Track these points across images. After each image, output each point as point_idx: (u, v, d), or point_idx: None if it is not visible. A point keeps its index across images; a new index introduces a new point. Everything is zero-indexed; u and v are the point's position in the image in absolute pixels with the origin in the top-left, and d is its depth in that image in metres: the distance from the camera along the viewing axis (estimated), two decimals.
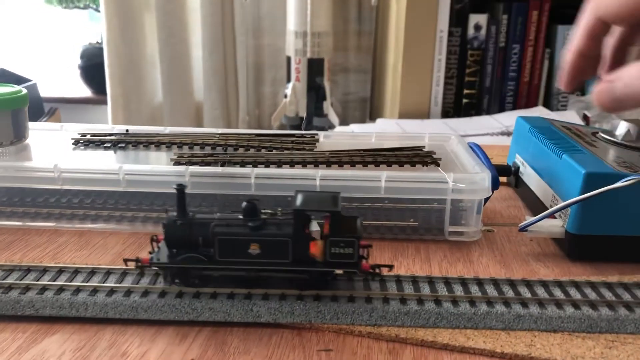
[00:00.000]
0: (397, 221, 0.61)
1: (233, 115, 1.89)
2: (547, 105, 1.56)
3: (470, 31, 1.49)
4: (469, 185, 0.57)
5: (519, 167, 0.70)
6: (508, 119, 1.40)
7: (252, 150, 0.65)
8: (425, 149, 0.66)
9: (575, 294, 0.48)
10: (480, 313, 0.45)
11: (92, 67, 2.00)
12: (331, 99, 1.75)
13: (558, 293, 0.48)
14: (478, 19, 1.49)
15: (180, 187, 0.45)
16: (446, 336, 0.44)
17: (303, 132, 0.68)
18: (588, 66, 0.51)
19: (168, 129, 0.71)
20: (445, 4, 1.44)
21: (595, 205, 0.54)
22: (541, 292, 0.48)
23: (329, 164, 0.61)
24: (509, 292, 0.48)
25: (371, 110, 1.82)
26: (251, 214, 0.45)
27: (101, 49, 1.84)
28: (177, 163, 0.60)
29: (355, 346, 0.44)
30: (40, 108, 1.83)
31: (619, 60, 0.52)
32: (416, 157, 0.62)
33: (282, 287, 0.47)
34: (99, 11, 1.86)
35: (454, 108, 1.55)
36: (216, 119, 1.84)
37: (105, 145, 0.67)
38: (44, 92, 1.89)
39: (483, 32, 1.49)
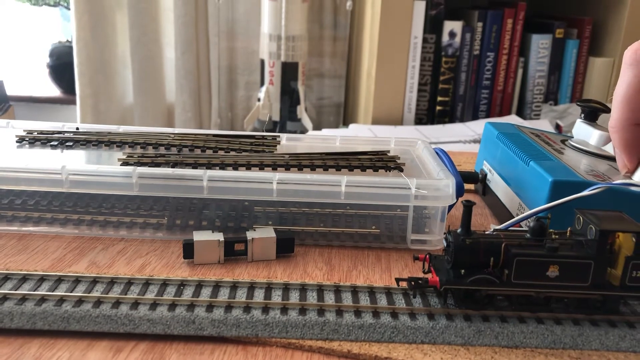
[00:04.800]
0: (358, 228, 0.58)
1: (205, 118, 1.86)
2: (520, 114, 1.55)
3: (445, 38, 1.48)
4: (433, 192, 0.54)
5: (486, 175, 0.68)
6: (481, 126, 1.38)
7: (208, 152, 0.62)
8: (390, 154, 0.63)
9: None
10: (438, 327, 0.43)
11: (61, 66, 1.95)
12: (305, 104, 1.72)
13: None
14: (453, 26, 1.47)
15: (469, 204, 0.43)
16: (402, 352, 0.41)
17: (264, 134, 0.65)
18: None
19: (122, 128, 0.68)
20: (420, 10, 1.42)
21: (563, 215, 0.52)
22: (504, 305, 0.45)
23: (288, 168, 0.58)
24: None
25: (345, 116, 1.80)
26: (541, 233, 0.43)
27: (71, 48, 1.79)
28: (125, 163, 0.56)
29: None
30: (5, 106, 1.77)
31: None
32: (379, 161, 0.60)
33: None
34: (69, 9, 1.81)
35: (427, 115, 1.54)
36: (188, 121, 1.81)
37: (52, 143, 0.63)
38: (11, 90, 1.83)
39: (457, 39, 1.48)
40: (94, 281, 0.46)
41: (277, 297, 0.45)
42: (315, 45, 1.79)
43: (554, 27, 1.50)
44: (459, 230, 0.43)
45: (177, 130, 0.67)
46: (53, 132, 0.65)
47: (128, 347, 0.41)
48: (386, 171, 0.59)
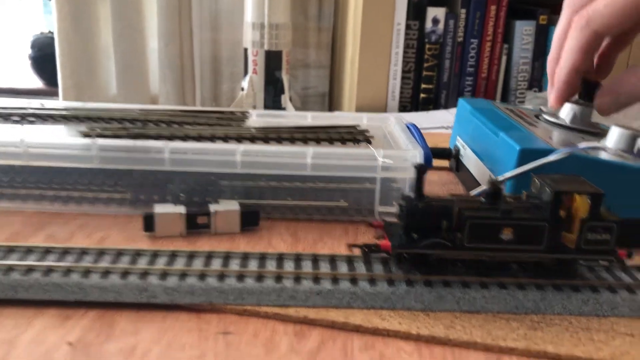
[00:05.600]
0: (325, 201, 0.57)
1: None
2: (505, 100, 1.54)
3: (428, 25, 1.47)
4: (399, 163, 0.53)
5: (459, 150, 0.67)
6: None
7: (174, 127, 0.61)
8: (360, 128, 0.62)
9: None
10: (398, 293, 0.42)
11: (43, 57, 1.92)
12: (290, 93, 1.71)
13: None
14: (436, 13, 1.46)
15: (421, 167, 0.42)
16: (359, 317, 0.40)
17: (233, 109, 0.64)
18: (579, 80, 0.55)
19: (89, 104, 0.66)
20: None
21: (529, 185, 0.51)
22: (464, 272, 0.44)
23: (253, 140, 0.56)
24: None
25: (330, 105, 1.79)
26: (496, 196, 0.42)
27: (53, 39, 1.77)
28: (86, 136, 0.55)
29: (258, 328, 0.39)
30: None
31: (608, 66, 0.59)
32: (348, 134, 0.59)
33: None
34: None
35: (412, 102, 1.53)
36: None
37: (13, 118, 0.62)
38: None
39: (441, 26, 1.47)
40: (46, 251, 0.44)
41: (234, 265, 0.44)
42: (300, 36, 1.78)
43: (538, 13, 1.49)
44: (412, 195, 0.42)
45: (144, 107, 0.65)
46: (15, 108, 0.63)
47: (77, 314, 0.40)
48: (354, 144, 0.58)
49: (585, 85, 0.61)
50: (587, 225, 0.41)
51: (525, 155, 0.51)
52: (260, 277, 0.42)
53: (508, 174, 0.50)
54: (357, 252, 0.43)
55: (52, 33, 1.90)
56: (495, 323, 0.40)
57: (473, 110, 0.65)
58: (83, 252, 0.45)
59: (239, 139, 0.56)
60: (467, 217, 0.41)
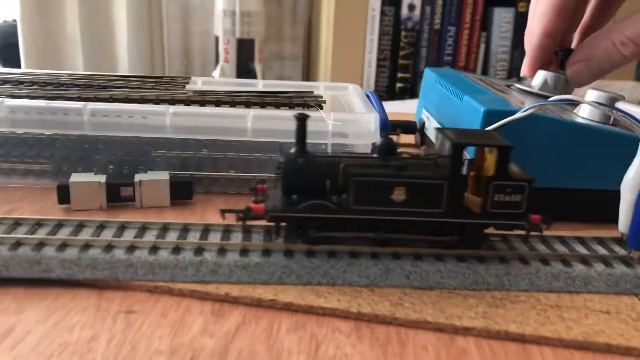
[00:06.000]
0: (272, 174, 0.51)
1: None
2: None
3: (404, 11, 1.42)
4: (352, 128, 0.47)
5: (424, 123, 0.61)
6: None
7: (102, 91, 0.54)
8: (314, 95, 0.56)
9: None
10: (339, 266, 0.36)
11: (6, 47, 1.84)
12: None
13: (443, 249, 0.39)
14: None
15: (302, 116, 0.35)
16: (292, 294, 0.34)
17: (173, 75, 0.57)
18: (553, 46, 0.53)
19: (11, 70, 0.60)
20: None
21: None
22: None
23: (188, 104, 0.50)
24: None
25: None
26: (389, 152, 0.35)
27: (17, 27, 1.70)
28: None
29: (169, 307, 0.33)
30: None
31: (605, 18, 0.56)
32: (299, 99, 0.53)
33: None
34: None
35: (388, 92, 1.47)
36: None
37: None
38: None
39: (417, 12, 1.42)
40: None
41: (150, 237, 0.38)
42: (274, 28, 1.72)
43: (517, 0, 1.44)
44: (292, 150, 0.36)
45: (72, 72, 0.59)
46: None
47: None
48: (303, 109, 0.51)
49: (559, 54, 0.56)
50: (493, 184, 0.34)
51: (491, 117, 0.45)
52: (177, 250, 0.36)
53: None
54: (232, 219, 0.36)
55: (15, 21, 1.83)
56: (451, 300, 0.34)
57: (438, 77, 0.59)
58: None
59: (172, 102, 0.50)
60: (352, 175, 0.34)
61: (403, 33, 1.44)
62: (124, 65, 1.79)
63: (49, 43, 1.73)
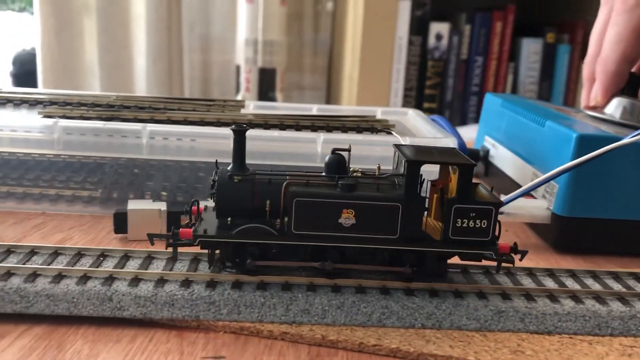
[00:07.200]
0: None
1: None
2: None
3: (431, 41, 1.40)
4: None
5: (488, 151, 0.58)
6: (469, 131, 1.29)
7: (156, 112, 0.51)
8: (377, 118, 0.53)
9: (573, 284, 0.35)
10: (444, 308, 0.32)
11: (24, 74, 1.83)
12: None
13: (550, 284, 0.35)
14: (439, 28, 1.40)
15: (241, 128, 0.31)
16: (396, 338, 0.30)
17: (226, 98, 0.54)
18: (628, 70, 0.50)
19: (57, 90, 0.57)
20: (405, 9, 1.35)
21: (591, 180, 0.42)
22: (527, 282, 0.35)
23: (251, 127, 0.47)
24: (484, 281, 0.34)
25: None
26: (338, 170, 0.31)
27: (34, 56, 1.69)
28: (47, 117, 0.45)
29: (260, 352, 0.29)
30: None
31: None
32: (365, 123, 0.49)
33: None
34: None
35: None
36: None
37: None
38: None
39: (444, 42, 1.40)
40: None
41: (229, 271, 0.34)
42: (294, 57, 1.71)
43: (545, 31, 1.43)
44: (229, 167, 0.31)
45: (122, 94, 0.56)
46: None
47: (14, 332, 0.29)
48: (372, 133, 0.48)
49: (631, 78, 0.53)
50: (456, 207, 0.30)
51: (584, 143, 0.41)
52: (262, 286, 0.32)
53: (562, 168, 0.41)
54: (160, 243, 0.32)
55: (34, 49, 1.82)
56: (575, 346, 0.30)
57: (506, 103, 0.56)
58: (33, 251, 0.34)
59: (234, 124, 0.46)
60: (293, 195, 0.30)
61: (430, 62, 1.42)
62: (141, 94, 1.77)
63: (67, 70, 1.72)
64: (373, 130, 0.48)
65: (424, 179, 0.31)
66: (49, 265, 0.33)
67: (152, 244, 0.31)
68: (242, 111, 0.53)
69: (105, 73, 1.72)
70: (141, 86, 1.75)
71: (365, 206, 0.30)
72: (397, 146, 0.32)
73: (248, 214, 0.30)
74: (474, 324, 0.31)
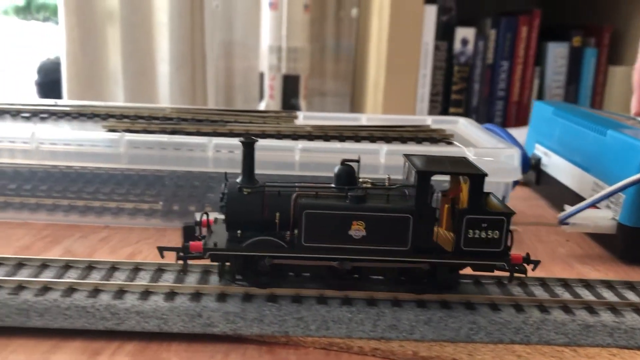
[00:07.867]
0: None
1: None
2: None
3: (457, 46, 1.40)
4: (496, 164, 0.44)
5: (540, 159, 0.58)
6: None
7: (215, 124, 0.51)
8: (431, 128, 0.53)
9: None
10: (531, 322, 0.31)
11: (49, 83, 1.85)
12: None
13: (631, 296, 0.35)
14: (465, 33, 1.39)
15: (250, 140, 0.31)
16: (487, 354, 0.30)
17: (278, 110, 0.54)
18: None
19: (110, 103, 0.57)
20: (431, 15, 1.35)
21: None
22: (610, 296, 0.34)
23: (311, 138, 0.47)
24: (565, 294, 0.34)
25: None
26: (348, 181, 0.31)
27: (59, 64, 1.70)
28: (112, 131, 0.46)
29: None
30: None
31: None
32: (422, 134, 0.49)
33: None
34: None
35: None
36: None
37: (23, 115, 0.52)
38: None
39: (470, 47, 1.40)
40: (66, 266, 0.34)
41: (314, 285, 0.34)
42: (317, 64, 1.72)
43: (571, 35, 1.42)
44: (238, 179, 0.31)
45: (175, 106, 0.56)
46: (25, 105, 0.54)
47: (109, 349, 0.29)
48: (431, 143, 0.48)
49: None
50: (467, 218, 0.30)
51: None
52: (347, 300, 0.32)
53: (633, 179, 0.41)
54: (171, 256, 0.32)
55: (58, 58, 1.84)
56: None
57: (558, 111, 0.56)
58: (113, 267, 0.35)
59: (294, 136, 0.47)
60: (303, 207, 0.30)
61: (456, 68, 1.41)
62: (165, 102, 1.78)
63: (91, 79, 1.73)
64: (432, 140, 0.48)
65: (434, 189, 0.30)
66: (132, 281, 0.33)
67: (162, 256, 0.31)
68: (296, 122, 0.53)
69: (128, 81, 1.72)
70: (164, 94, 1.76)
71: (376, 217, 0.30)
72: (407, 156, 0.32)
73: (258, 226, 0.30)
74: (563, 339, 0.31)
